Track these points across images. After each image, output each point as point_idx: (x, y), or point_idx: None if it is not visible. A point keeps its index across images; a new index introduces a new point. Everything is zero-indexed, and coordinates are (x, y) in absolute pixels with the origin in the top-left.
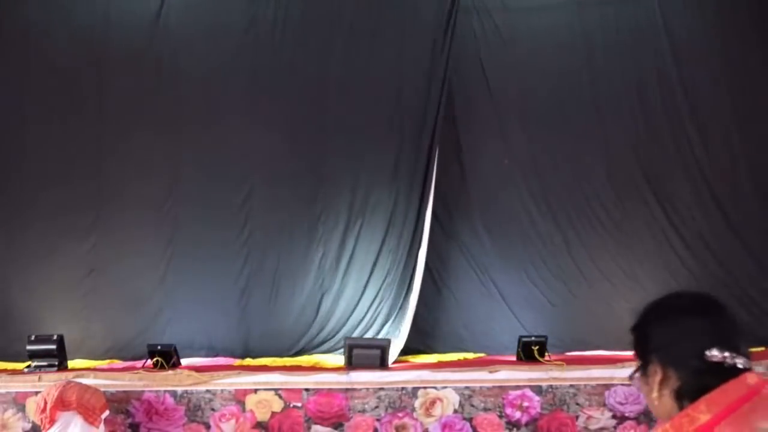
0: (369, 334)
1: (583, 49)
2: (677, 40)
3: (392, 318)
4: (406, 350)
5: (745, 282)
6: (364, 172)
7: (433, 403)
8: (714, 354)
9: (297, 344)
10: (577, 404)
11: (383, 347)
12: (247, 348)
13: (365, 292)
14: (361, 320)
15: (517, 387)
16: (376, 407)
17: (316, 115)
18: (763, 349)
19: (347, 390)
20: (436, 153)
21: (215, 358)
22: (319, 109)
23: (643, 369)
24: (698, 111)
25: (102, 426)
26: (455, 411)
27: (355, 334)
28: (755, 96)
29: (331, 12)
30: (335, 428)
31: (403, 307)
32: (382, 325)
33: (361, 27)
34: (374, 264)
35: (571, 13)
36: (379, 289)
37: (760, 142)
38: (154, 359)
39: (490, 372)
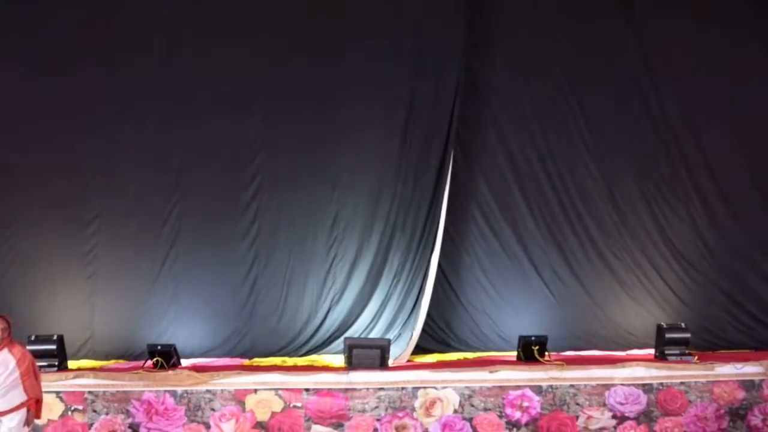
0: (381, 335)
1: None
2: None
3: (405, 319)
4: (416, 350)
5: (741, 287)
6: (376, 175)
7: (433, 403)
8: None
9: (306, 344)
10: (577, 404)
11: (383, 347)
12: (255, 349)
13: (375, 294)
14: (372, 322)
15: (517, 387)
16: (376, 407)
17: (329, 116)
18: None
19: (347, 390)
20: (450, 159)
21: (220, 359)
22: (333, 110)
23: None
24: (689, 110)
25: None
26: (455, 411)
27: (369, 335)
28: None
29: (342, 16)
30: (335, 428)
31: (415, 308)
32: (393, 327)
33: (375, 30)
34: (384, 267)
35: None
36: (391, 291)
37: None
38: (154, 359)
39: (490, 372)
